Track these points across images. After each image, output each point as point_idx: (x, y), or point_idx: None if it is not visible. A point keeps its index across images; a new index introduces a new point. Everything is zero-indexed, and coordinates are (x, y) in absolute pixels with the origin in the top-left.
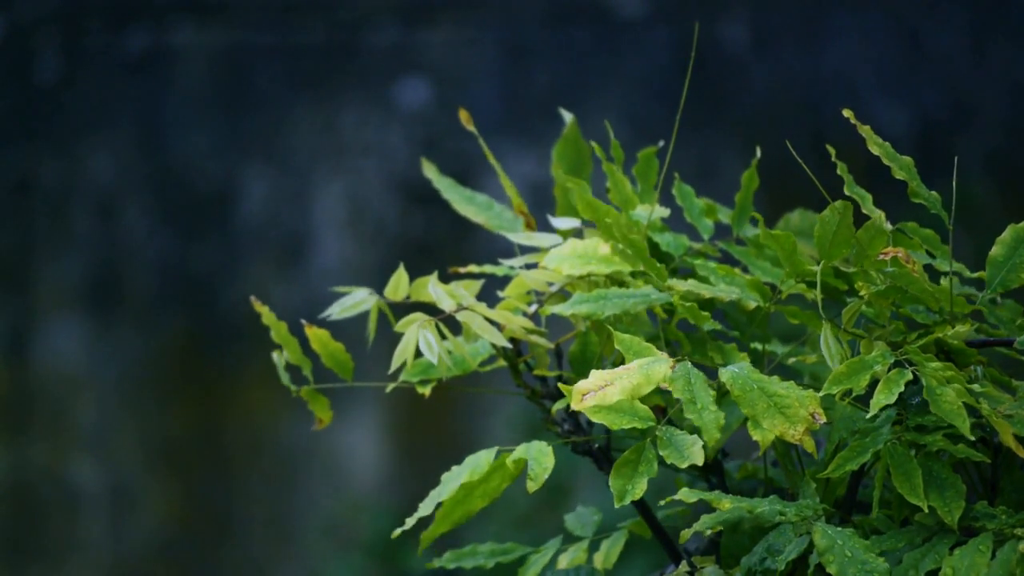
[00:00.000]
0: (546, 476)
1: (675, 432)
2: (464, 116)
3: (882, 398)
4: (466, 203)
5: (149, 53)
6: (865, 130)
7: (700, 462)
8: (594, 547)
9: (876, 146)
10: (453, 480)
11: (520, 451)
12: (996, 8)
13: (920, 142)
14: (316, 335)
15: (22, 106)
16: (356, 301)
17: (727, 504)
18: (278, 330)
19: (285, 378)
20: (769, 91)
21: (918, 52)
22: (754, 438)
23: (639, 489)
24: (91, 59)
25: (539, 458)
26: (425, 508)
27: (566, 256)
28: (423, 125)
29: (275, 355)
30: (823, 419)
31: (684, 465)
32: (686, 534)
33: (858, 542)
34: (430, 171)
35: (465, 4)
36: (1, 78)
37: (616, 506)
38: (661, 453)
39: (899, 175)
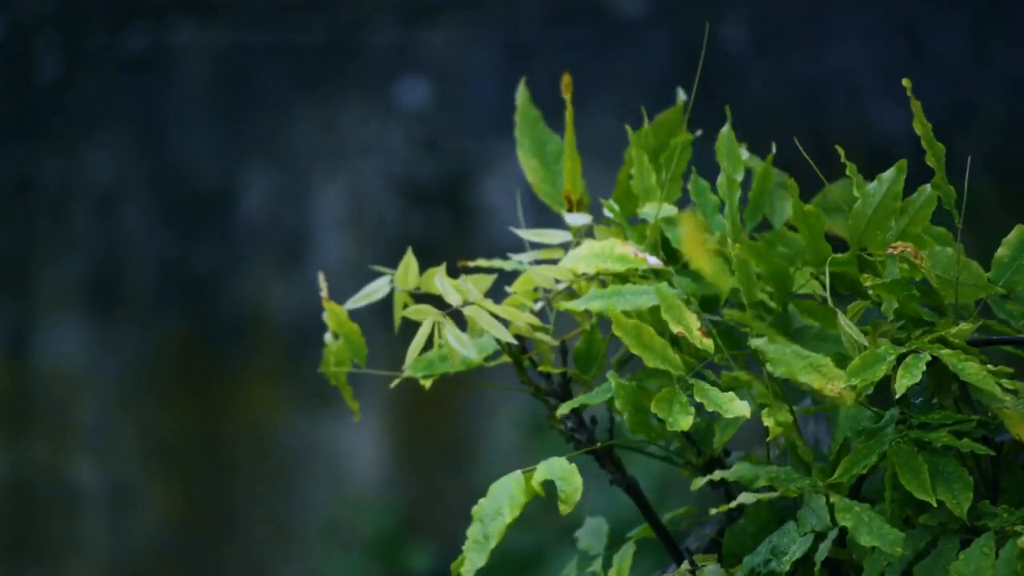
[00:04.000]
0: (578, 497)
1: (707, 386)
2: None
3: (905, 381)
4: (534, 149)
5: (149, 53)
6: (916, 106)
7: (747, 414)
8: (607, 562)
9: (920, 125)
10: (495, 519)
11: (543, 471)
12: (996, 8)
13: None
14: (334, 311)
15: (22, 106)
16: (374, 288)
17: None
18: (337, 315)
19: (330, 366)
20: (769, 91)
21: (918, 52)
22: (765, 423)
23: (683, 423)
24: (91, 59)
25: (567, 478)
26: (478, 558)
27: (582, 256)
28: (423, 125)
29: (328, 338)
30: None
31: (729, 416)
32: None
33: (876, 515)
34: (522, 97)
35: (465, 4)
36: (1, 78)
37: (668, 424)
38: (701, 400)
39: (930, 162)
